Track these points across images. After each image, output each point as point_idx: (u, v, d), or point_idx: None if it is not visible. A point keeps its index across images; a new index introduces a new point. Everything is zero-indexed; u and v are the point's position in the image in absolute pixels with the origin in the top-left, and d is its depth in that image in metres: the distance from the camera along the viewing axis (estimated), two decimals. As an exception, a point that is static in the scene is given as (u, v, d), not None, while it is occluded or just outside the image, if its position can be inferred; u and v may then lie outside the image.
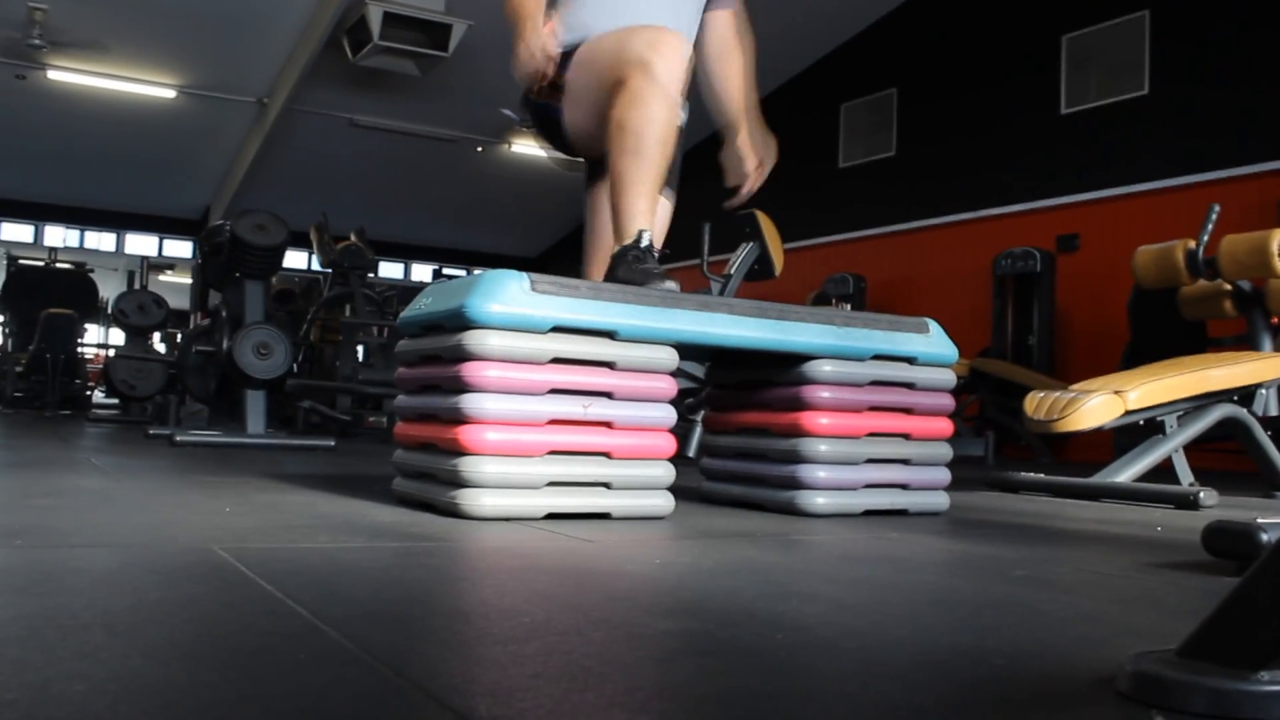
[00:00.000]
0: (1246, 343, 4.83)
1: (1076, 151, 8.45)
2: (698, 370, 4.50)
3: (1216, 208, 4.79)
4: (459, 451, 2.10)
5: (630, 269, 2.45)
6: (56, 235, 15.11)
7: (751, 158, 3.11)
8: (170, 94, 11.61)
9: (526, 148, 12.29)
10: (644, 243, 2.50)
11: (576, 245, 2.99)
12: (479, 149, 13.20)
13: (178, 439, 4.65)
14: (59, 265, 11.93)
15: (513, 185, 14.03)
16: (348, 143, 12.71)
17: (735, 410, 2.72)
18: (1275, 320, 4.83)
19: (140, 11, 10.06)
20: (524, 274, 2.16)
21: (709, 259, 5.96)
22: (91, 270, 11.92)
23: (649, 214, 2.56)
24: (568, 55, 2.80)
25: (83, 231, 15.40)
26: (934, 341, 2.68)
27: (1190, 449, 3.99)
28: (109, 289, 13.76)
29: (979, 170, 9.28)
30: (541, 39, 2.72)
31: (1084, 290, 8.12)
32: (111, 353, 9.04)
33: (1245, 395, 4.00)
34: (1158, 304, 5.58)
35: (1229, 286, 4.83)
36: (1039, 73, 8.78)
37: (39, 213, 14.93)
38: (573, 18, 2.86)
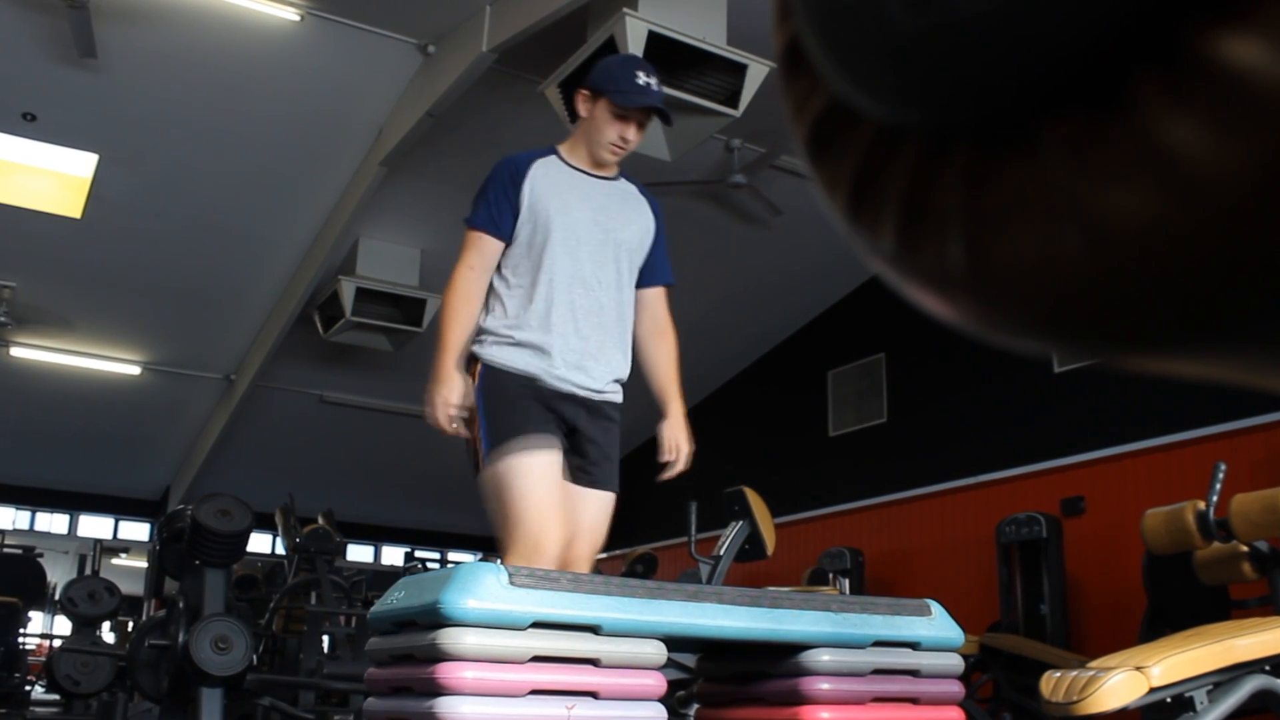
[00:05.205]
0: (1271, 604, 4.78)
1: (1073, 410, 8.58)
2: (689, 659, 4.41)
3: (1223, 466, 4.85)
4: (432, 763, 2.03)
5: None
6: (6, 516, 14.98)
7: (683, 439, 3.15)
8: (135, 371, 11.79)
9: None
10: None
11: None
12: (453, 425, 13.24)
13: (124, 747, 4.49)
14: (6, 549, 11.76)
15: (489, 463, 13.98)
16: (317, 419, 12.80)
17: (730, 706, 2.65)
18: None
19: (109, 289, 10.35)
20: (501, 567, 2.16)
21: (696, 538, 5.93)
22: (40, 554, 11.74)
23: None
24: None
25: (34, 513, 15.28)
26: (937, 624, 2.65)
27: (1230, 724, 3.88)
28: (58, 573, 13.52)
29: (974, 434, 9.38)
30: (448, 393, 2.98)
31: (1095, 555, 8.07)
32: (56, 643, 8.83)
33: (1277, 664, 3.93)
34: (1174, 568, 5.55)
35: (1245, 548, 4.83)
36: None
37: (-11, 493, 14.89)
38: (513, 330, 3.05)
